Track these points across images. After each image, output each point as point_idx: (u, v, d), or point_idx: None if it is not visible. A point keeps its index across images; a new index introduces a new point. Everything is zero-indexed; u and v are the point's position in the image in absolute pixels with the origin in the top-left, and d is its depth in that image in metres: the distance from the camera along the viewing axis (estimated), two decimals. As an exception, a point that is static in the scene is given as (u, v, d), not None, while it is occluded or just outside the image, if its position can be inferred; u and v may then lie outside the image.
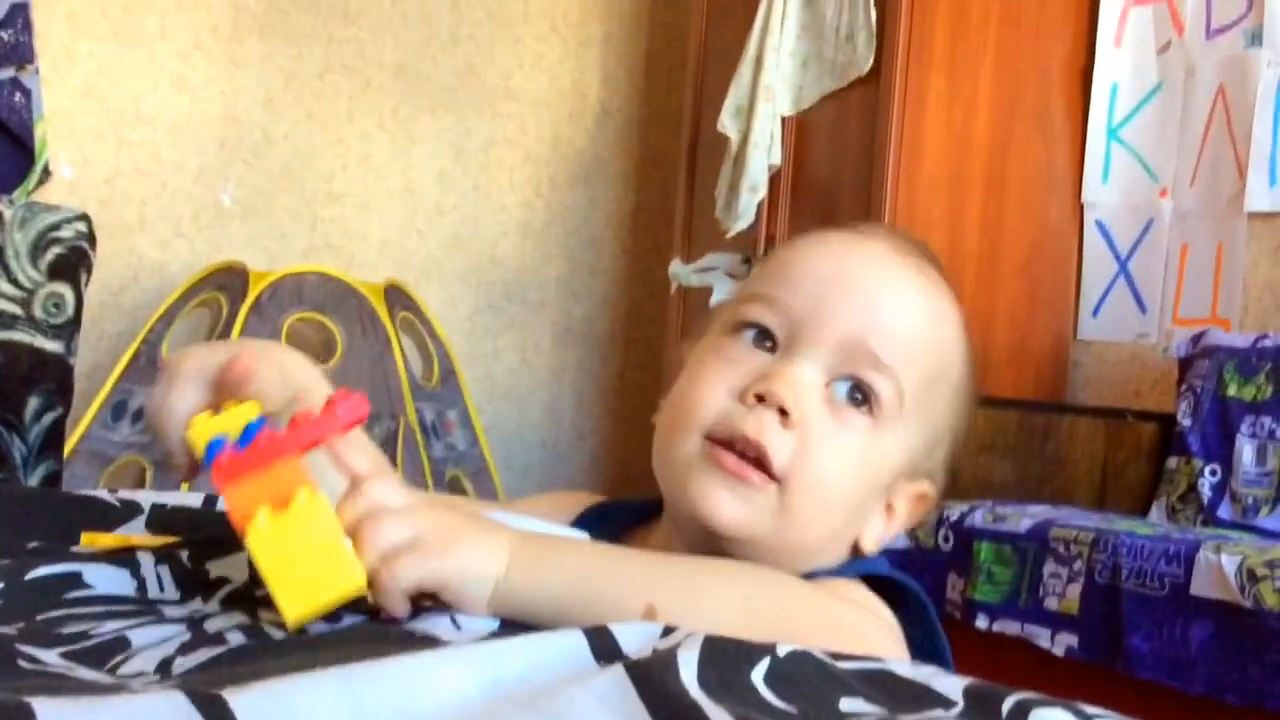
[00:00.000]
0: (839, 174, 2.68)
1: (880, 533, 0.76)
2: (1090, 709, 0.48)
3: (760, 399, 0.69)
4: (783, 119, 2.75)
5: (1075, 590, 1.75)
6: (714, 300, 2.72)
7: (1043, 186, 2.64)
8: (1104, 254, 2.66)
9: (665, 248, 3.32)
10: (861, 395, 0.71)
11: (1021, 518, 1.90)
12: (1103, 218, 2.67)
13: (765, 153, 2.71)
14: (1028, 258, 2.62)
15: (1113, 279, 2.65)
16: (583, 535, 0.70)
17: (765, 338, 0.72)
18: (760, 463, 0.68)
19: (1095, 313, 2.67)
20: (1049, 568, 1.79)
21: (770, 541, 0.69)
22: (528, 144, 3.36)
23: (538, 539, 0.64)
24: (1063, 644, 1.76)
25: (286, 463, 0.60)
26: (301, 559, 0.58)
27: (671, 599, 0.59)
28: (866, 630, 0.60)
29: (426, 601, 0.59)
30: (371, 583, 0.57)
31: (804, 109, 2.74)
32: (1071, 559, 1.77)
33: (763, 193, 2.73)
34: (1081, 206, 2.69)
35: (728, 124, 2.76)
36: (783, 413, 0.68)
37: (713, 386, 0.71)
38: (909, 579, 0.73)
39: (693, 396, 0.71)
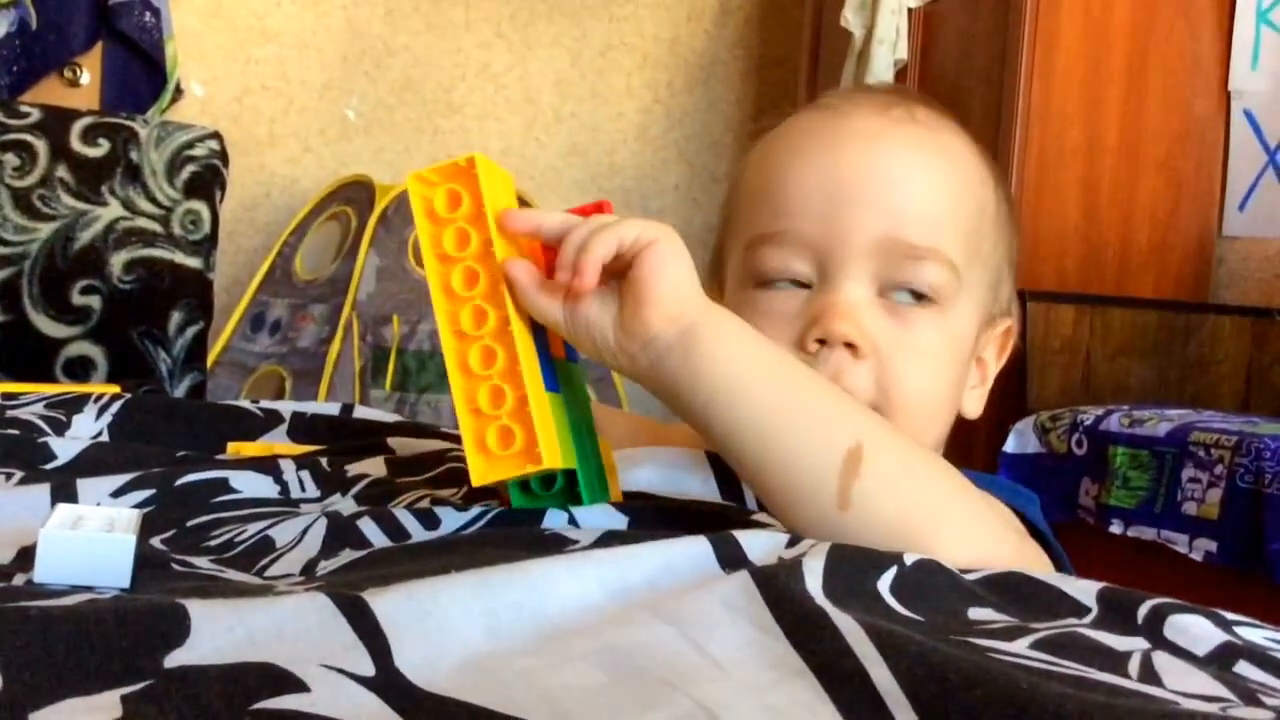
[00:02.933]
0: (969, 69, 2.59)
1: (979, 390, 0.74)
2: (1229, 615, 0.46)
3: (822, 342, 0.65)
4: (909, 11, 2.65)
5: (1216, 495, 1.70)
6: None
7: (1186, 75, 2.51)
8: (1252, 145, 2.53)
9: (787, 150, 3.25)
10: (919, 293, 0.67)
11: (1160, 421, 1.85)
12: (1251, 107, 2.53)
13: (890, 48, 2.63)
14: (1170, 151, 2.50)
15: (1261, 171, 2.51)
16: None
17: (798, 280, 0.67)
18: None
19: (1241, 207, 2.55)
20: (1188, 472, 1.74)
21: None
22: (645, 47, 3.32)
23: None
24: (1201, 549, 1.71)
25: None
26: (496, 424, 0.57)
27: (885, 452, 0.55)
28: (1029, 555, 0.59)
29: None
30: (577, 261, 0.54)
31: (931, 0, 2.64)
32: (1212, 463, 1.71)
33: (887, 90, 2.65)
34: (1228, 95, 2.54)
35: (851, 19, 2.67)
36: (851, 347, 0.65)
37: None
38: (1034, 515, 0.69)
39: None
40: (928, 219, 0.67)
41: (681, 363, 0.56)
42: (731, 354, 0.56)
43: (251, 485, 0.68)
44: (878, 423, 0.59)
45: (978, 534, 0.56)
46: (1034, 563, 0.59)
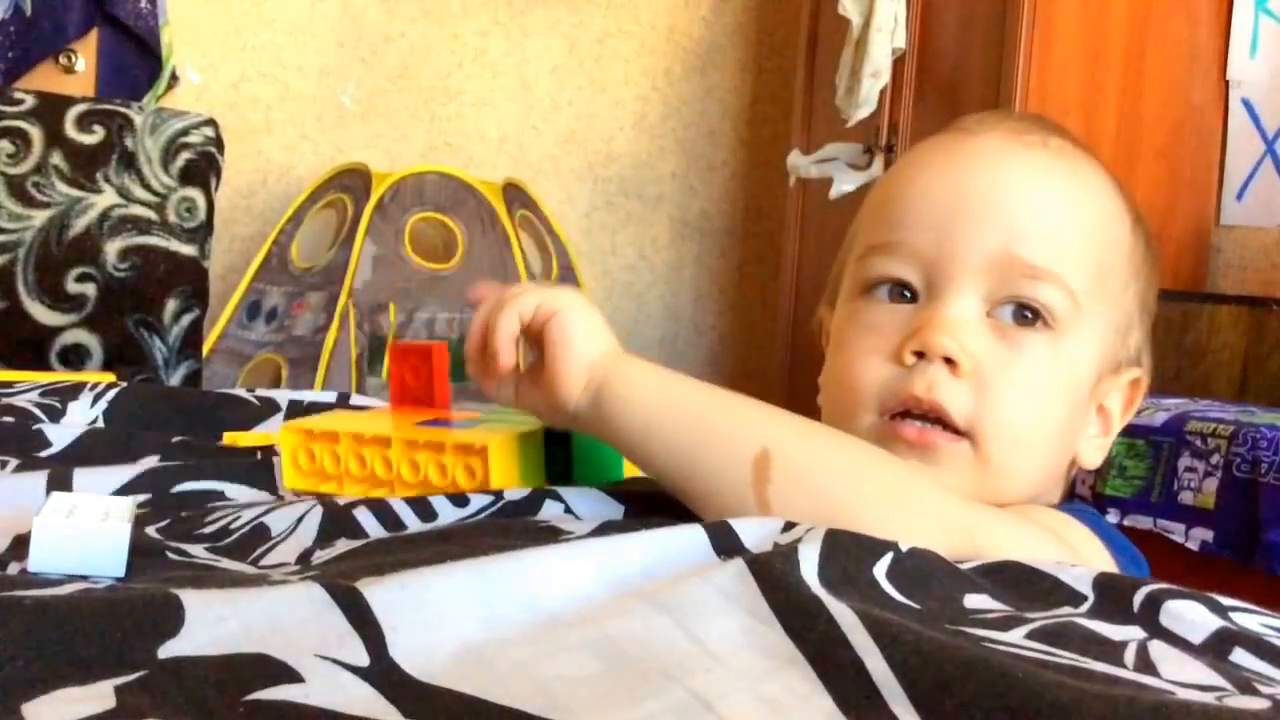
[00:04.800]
0: (966, 57, 2.58)
1: (1100, 440, 0.70)
2: (1225, 600, 0.47)
3: (920, 355, 0.63)
4: None
5: (1212, 484, 1.70)
6: (834, 192, 2.66)
7: (1184, 64, 2.50)
8: (1250, 134, 2.52)
9: (784, 139, 3.25)
10: (1031, 313, 0.64)
11: (1156, 411, 1.85)
12: (1249, 95, 2.52)
13: (889, 36, 2.62)
14: (1168, 140, 2.50)
15: (1259, 161, 2.51)
16: None
17: (902, 288, 0.65)
18: (943, 421, 0.63)
19: (1239, 197, 2.54)
20: (1184, 461, 1.74)
21: (985, 497, 0.63)
22: (642, 34, 3.31)
23: None
24: (1197, 539, 1.71)
25: None
26: None
27: (790, 452, 0.56)
28: (998, 534, 0.57)
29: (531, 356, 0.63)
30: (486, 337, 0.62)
31: (929, -11, 2.63)
32: (1209, 452, 1.72)
33: (885, 78, 2.64)
34: (1226, 84, 2.54)
35: (849, 6, 2.67)
36: (950, 362, 0.62)
37: (866, 359, 0.65)
38: (1090, 517, 0.67)
39: (848, 376, 0.65)
40: (1049, 241, 0.64)
41: (600, 421, 0.61)
42: (639, 403, 0.59)
43: (247, 499, 0.67)
44: (786, 424, 0.59)
45: (904, 511, 0.56)
46: (982, 528, 0.57)
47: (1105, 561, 0.64)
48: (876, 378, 0.64)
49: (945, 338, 0.63)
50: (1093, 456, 0.70)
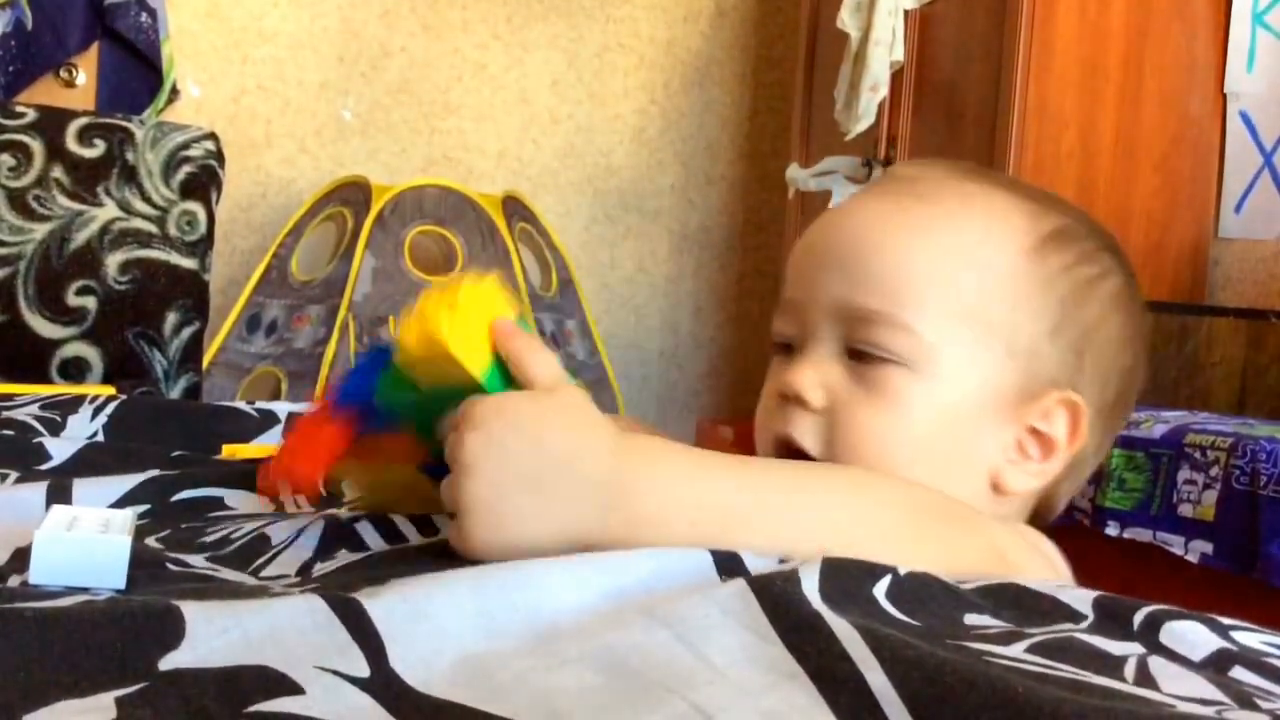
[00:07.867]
0: (965, 70, 2.59)
1: (1034, 465, 0.69)
2: (1226, 620, 0.47)
3: (785, 397, 0.69)
4: (905, 13, 2.65)
5: (1211, 497, 1.70)
6: (833, 205, 2.66)
7: (1182, 77, 2.51)
8: (1248, 147, 2.53)
9: (782, 152, 3.25)
10: (878, 354, 0.67)
11: (1155, 423, 1.85)
12: (1247, 108, 2.53)
13: (887, 49, 2.63)
14: (1166, 153, 2.50)
15: (1256, 173, 2.52)
16: None
17: (789, 343, 0.72)
18: (803, 454, 0.68)
19: (1237, 209, 2.55)
20: (1183, 474, 1.74)
21: None
22: (641, 48, 3.32)
23: (642, 439, 0.60)
24: (1197, 551, 1.71)
25: None
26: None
27: (759, 511, 0.56)
28: (1020, 554, 0.58)
29: None
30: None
31: (928, 2, 2.64)
32: (1208, 465, 1.72)
33: (884, 92, 2.65)
34: (1224, 97, 2.55)
35: (847, 20, 2.68)
36: (801, 400, 0.68)
37: (763, 403, 0.72)
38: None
39: (756, 423, 0.73)
40: (882, 284, 0.67)
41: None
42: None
43: (247, 504, 0.67)
44: (752, 486, 0.58)
45: (924, 539, 0.57)
46: (1008, 545, 0.58)
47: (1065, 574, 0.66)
48: (763, 422, 0.71)
49: (794, 378, 0.69)
50: (1021, 482, 0.69)
